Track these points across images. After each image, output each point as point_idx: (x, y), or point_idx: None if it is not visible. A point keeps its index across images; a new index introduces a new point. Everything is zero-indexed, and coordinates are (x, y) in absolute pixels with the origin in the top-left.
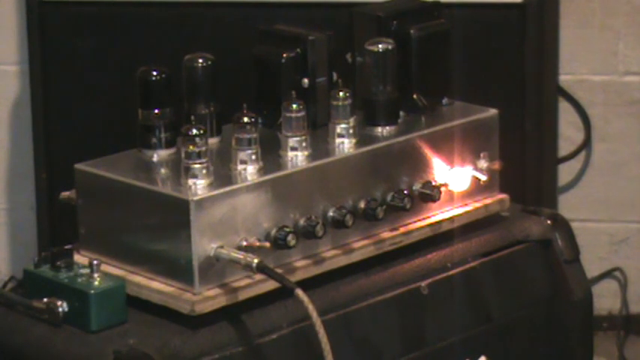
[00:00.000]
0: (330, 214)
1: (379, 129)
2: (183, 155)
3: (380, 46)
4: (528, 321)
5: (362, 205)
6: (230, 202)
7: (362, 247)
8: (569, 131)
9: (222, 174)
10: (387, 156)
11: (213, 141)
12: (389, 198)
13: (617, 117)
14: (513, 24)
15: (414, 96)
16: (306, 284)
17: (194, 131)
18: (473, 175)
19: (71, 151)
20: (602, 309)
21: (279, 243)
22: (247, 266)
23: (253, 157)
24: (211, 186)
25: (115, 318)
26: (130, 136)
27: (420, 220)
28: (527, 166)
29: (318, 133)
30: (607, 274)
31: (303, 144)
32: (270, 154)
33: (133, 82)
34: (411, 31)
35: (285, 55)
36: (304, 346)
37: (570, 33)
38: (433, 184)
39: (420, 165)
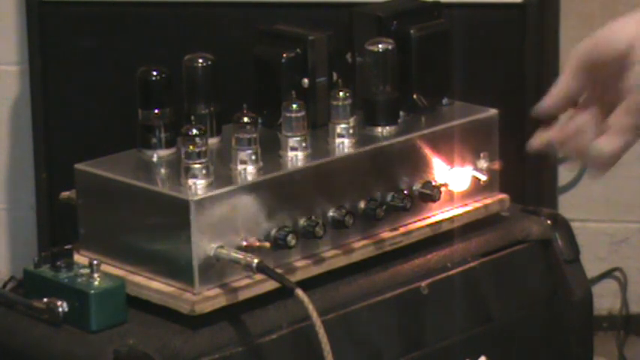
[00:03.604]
0: (330, 214)
1: (379, 129)
2: (183, 155)
3: (380, 46)
4: (528, 321)
5: (362, 205)
6: (230, 202)
7: (362, 247)
8: None
9: (222, 174)
10: (387, 156)
11: (213, 141)
12: (389, 198)
13: None
14: (513, 24)
15: (414, 96)
16: (306, 284)
17: (194, 131)
18: (473, 175)
19: (71, 151)
20: (602, 309)
21: (279, 243)
22: (247, 266)
23: (253, 157)
24: (211, 186)
25: (115, 318)
26: (130, 136)
27: (420, 220)
28: (527, 166)
29: (318, 133)
30: (607, 274)
31: (303, 144)
32: (270, 154)
33: (133, 82)
34: (411, 31)
35: (285, 55)
36: (304, 346)
37: (570, 33)
38: (433, 184)
39: (420, 165)
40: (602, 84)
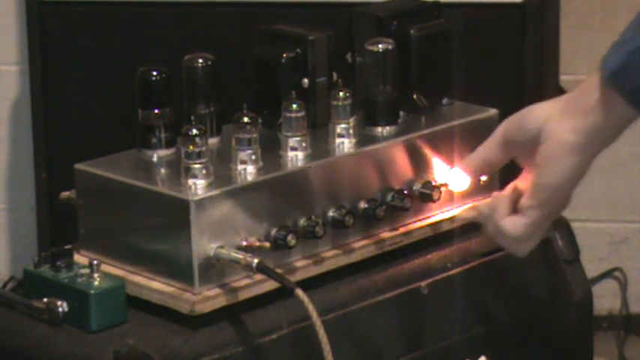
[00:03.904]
0: (330, 214)
1: (379, 129)
2: (183, 155)
3: (380, 46)
4: (528, 321)
5: (362, 205)
6: (230, 202)
7: (362, 247)
8: None
9: (222, 174)
10: (387, 156)
11: (213, 141)
12: (389, 198)
13: None
14: (513, 24)
15: (414, 96)
16: (306, 284)
17: (194, 131)
18: None
19: (71, 151)
20: (602, 309)
21: (279, 243)
22: (247, 266)
23: (253, 157)
24: (211, 186)
25: (115, 318)
26: (130, 136)
27: (420, 220)
28: None
29: (318, 133)
30: (607, 274)
31: (303, 144)
32: (270, 154)
33: (133, 82)
34: (411, 31)
35: (285, 55)
36: (304, 346)
37: (570, 33)
38: (433, 184)
39: (420, 165)
40: (523, 160)
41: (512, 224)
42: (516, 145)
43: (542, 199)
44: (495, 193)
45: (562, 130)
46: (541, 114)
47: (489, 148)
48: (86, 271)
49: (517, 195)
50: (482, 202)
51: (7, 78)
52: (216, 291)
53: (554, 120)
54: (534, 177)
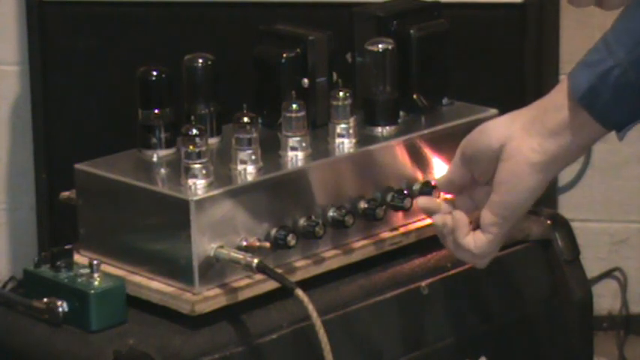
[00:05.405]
0: (330, 214)
1: (379, 129)
2: (183, 155)
3: (380, 46)
4: (528, 321)
5: (362, 205)
6: (230, 202)
7: (362, 247)
8: None
9: (222, 174)
10: (387, 156)
11: (213, 141)
12: (389, 198)
13: None
14: (513, 24)
15: (414, 96)
16: (306, 284)
17: (194, 131)
18: None
19: (71, 151)
20: (602, 309)
21: (279, 243)
22: (247, 266)
23: (253, 157)
24: (211, 186)
25: (115, 318)
26: (130, 136)
27: (419, 220)
28: None
29: (318, 133)
30: (607, 274)
31: (303, 144)
32: (270, 154)
33: (133, 82)
34: (411, 31)
35: (285, 55)
36: (304, 346)
37: (570, 33)
38: (433, 184)
39: (420, 165)
40: (483, 177)
41: (475, 242)
42: (475, 163)
43: (505, 216)
44: (455, 212)
45: (527, 148)
46: (500, 131)
47: (453, 168)
48: (86, 271)
49: (472, 201)
50: (441, 219)
51: (7, 78)
52: (216, 291)
53: (517, 138)
54: (497, 195)
